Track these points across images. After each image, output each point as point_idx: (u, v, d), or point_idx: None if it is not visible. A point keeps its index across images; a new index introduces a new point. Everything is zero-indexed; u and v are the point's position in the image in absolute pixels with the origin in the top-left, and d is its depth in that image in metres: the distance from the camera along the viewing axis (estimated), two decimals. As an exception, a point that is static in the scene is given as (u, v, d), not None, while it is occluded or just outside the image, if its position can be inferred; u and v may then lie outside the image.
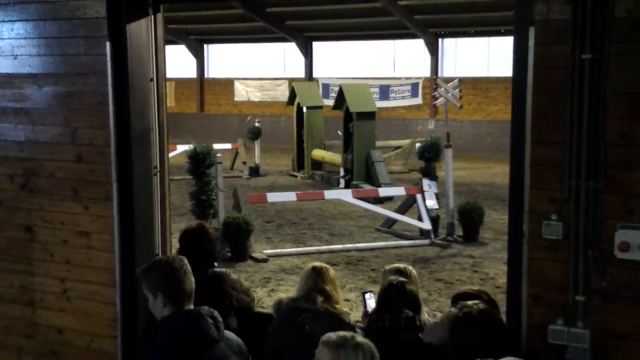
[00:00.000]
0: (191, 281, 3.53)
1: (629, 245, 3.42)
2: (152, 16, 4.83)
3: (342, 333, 3.15)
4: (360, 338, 3.16)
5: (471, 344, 3.41)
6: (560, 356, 3.62)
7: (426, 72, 28.20)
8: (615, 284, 3.50)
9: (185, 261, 3.58)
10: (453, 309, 3.63)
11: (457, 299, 4.04)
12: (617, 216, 3.49)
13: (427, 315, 4.80)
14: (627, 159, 3.46)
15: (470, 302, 3.67)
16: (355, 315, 6.58)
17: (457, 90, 14.44)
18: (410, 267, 4.97)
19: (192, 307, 3.50)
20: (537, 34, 3.61)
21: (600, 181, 3.49)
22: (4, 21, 4.96)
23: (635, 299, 3.48)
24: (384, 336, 3.82)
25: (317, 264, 4.71)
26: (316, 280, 4.51)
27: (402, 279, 4.37)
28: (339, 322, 4.33)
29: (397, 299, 4.00)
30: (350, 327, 4.34)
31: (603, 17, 3.42)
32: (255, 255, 10.99)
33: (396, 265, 5.02)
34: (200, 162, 12.02)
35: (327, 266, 4.67)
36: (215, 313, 3.50)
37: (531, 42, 3.63)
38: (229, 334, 3.62)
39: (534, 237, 3.69)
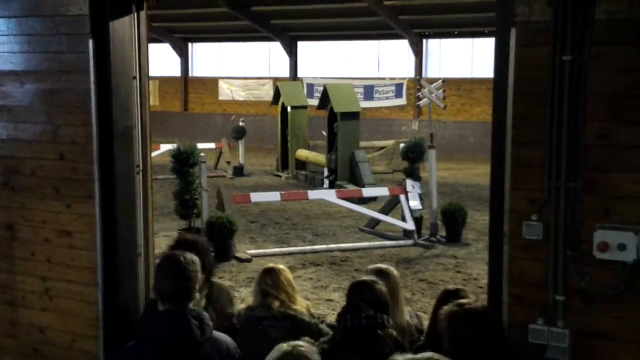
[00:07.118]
0: (178, 282, 3.44)
1: (608, 246, 3.45)
2: (136, 14, 4.81)
3: (284, 346, 3.19)
4: (302, 347, 3.20)
5: (471, 338, 3.49)
6: (541, 355, 3.64)
7: (410, 73, 28.26)
8: (594, 284, 3.54)
9: (176, 260, 3.49)
10: (448, 306, 3.67)
11: (444, 298, 4.10)
12: (596, 217, 3.52)
13: (409, 315, 4.81)
14: (606, 160, 3.49)
15: (465, 300, 3.75)
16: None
17: (440, 91, 14.48)
18: (392, 268, 4.97)
19: (188, 306, 3.44)
20: (518, 35, 3.63)
21: (579, 182, 3.53)
22: (-15, 18, 4.92)
23: (614, 299, 3.52)
24: (349, 335, 3.87)
25: (271, 265, 4.75)
26: (268, 283, 4.55)
27: (365, 278, 4.35)
28: (298, 323, 4.37)
29: (359, 298, 4.03)
30: (310, 326, 4.35)
31: (583, 18, 3.45)
32: (239, 255, 10.97)
33: (377, 265, 5.03)
34: (183, 161, 12.01)
35: (282, 267, 4.71)
36: (203, 314, 3.45)
37: (512, 43, 3.65)
38: (220, 335, 3.58)
39: (515, 237, 3.71)
